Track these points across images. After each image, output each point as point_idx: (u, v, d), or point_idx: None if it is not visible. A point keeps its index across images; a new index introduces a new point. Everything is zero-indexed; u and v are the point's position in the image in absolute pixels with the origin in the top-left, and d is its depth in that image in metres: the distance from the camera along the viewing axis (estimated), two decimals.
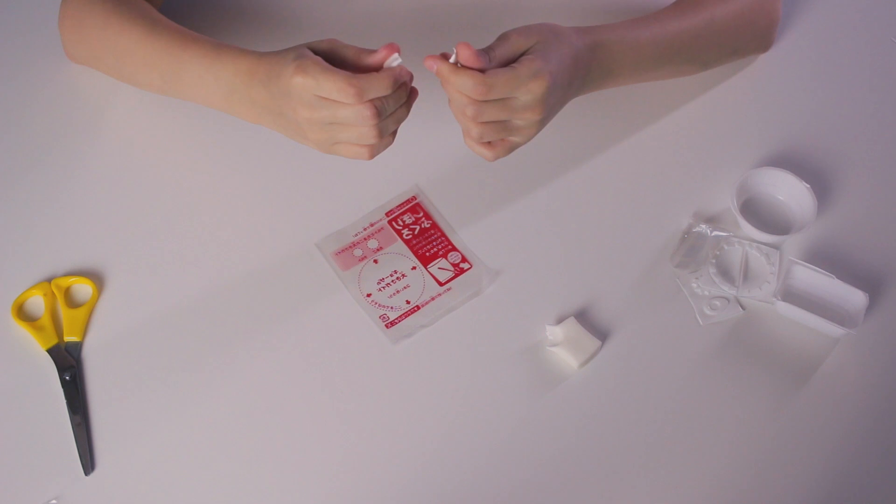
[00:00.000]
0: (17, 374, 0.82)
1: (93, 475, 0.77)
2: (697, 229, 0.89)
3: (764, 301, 0.85)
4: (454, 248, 0.88)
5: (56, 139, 0.96)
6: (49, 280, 0.86)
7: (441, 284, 0.87)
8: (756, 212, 0.90)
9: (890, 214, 0.92)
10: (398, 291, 0.86)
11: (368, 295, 0.86)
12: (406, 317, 0.85)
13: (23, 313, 0.85)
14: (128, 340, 0.84)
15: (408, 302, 0.85)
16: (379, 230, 0.89)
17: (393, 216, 0.90)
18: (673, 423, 0.80)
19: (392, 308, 0.85)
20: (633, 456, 0.78)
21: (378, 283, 0.86)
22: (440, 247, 0.89)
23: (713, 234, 0.89)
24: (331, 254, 0.88)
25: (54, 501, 0.76)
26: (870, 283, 0.85)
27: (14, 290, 0.85)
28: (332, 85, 0.75)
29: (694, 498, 0.77)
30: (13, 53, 1.02)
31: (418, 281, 0.87)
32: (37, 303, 0.85)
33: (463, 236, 0.89)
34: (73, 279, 0.86)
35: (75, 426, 0.79)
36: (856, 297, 0.83)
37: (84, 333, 0.84)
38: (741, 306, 0.85)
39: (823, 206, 0.89)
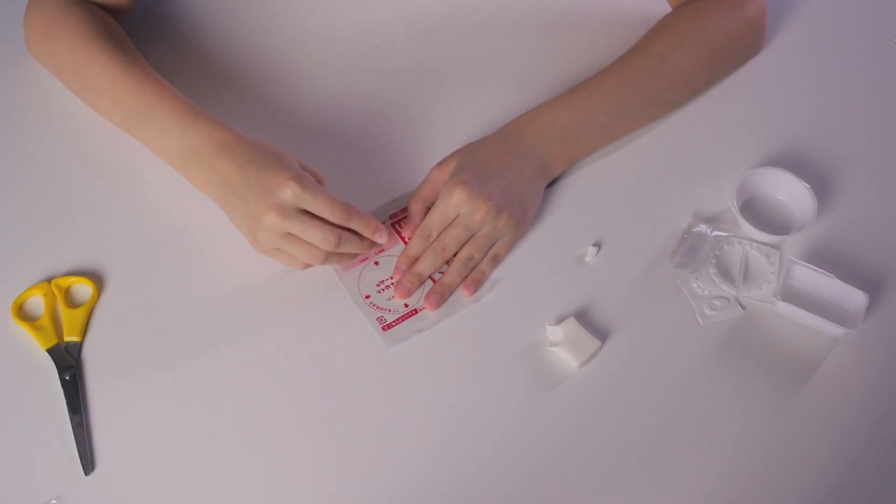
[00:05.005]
0: (17, 374, 0.82)
1: (93, 475, 0.77)
2: (697, 229, 0.89)
3: (764, 301, 0.85)
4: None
5: (56, 139, 0.96)
6: (49, 280, 0.86)
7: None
8: (756, 212, 0.90)
9: (890, 214, 0.92)
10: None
11: (367, 297, 0.86)
12: (403, 320, 0.84)
13: (23, 313, 0.85)
14: (128, 340, 0.84)
15: (406, 305, 0.85)
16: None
17: (397, 219, 0.90)
18: (673, 422, 0.80)
19: (390, 311, 0.85)
20: (633, 456, 0.78)
21: (377, 286, 0.86)
22: None
23: (713, 234, 0.89)
24: None
25: (54, 501, 0.76)
26: (870, 283, 0.85)
27: (14, 290, 0.85)
28: (325, 204, 0.80)
29: (694, 498, 0.77)
30: (11, 52, 1.02)
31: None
32: (37, 303, 0.85)
33: None
34: (73, 279, 0.86)
35: (75, 426, 0.79)
36: (856, 297, 0.83)
37: (84, 333, 0.84)
38: (741, 306, 0.85)
39: (823, 206, 0.89)
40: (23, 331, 0.84)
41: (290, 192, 0.79)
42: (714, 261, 0.87)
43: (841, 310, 0.84)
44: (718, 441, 0.79)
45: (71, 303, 0.85)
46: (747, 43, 0.99)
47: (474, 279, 0.86)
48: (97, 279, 0.86)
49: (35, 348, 0.83)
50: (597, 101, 0.91)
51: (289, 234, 0.80)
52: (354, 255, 0.85)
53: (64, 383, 0.81)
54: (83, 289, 0.86)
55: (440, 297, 0.85)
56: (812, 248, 0.88)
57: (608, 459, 0.78)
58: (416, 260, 0.87)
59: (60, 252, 0.88)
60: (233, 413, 0.80)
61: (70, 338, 0.83)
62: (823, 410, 0.80)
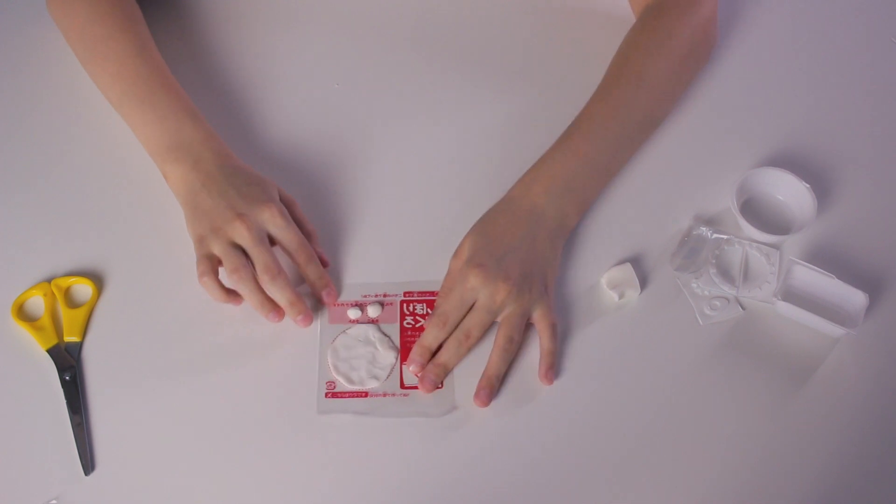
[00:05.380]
0: (17, 374, 0.82)
1: (93, 475, 0.77)
2: (697, 232, 0.89)
3: (764, 301, 0.85)
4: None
5: (56, 139, 0.96)
6: (49, 280, 0.86)
7: (402, 387, 0.81)
8: (756, 212, 0.90)
9: (890, 214, 0.91)
10: (361, 367, 0.82)
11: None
12: (350, 396, 0.81)
13: (23, 313, 0.85)
14: (128, 340, 0.84)
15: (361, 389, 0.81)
16: (388, 304, 0.85)
17: (409, 299, 0.86)
18: (673, 422, 0.80)
19: (345, 380, 0.81)
20: (632, 456, 0.78)
21: (351, 350, 0.83)
22: None
23: (713, 236, 0.89)
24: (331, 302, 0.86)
25: (54, 501, 0.76)
26: (870, 283, 0.85)
27: (14, 290, 0.86)
28: (293, 238, 0.82)
29: (694, 498, 0.77)
30: (13, 51, 1.02)
31: (385, 370, 0.82)
32: (37, 303, 0.85)
33: None
34: (73, 279, 0.86)
35: (75, 426, 0.79)
36: (856, 297, 0.83)
37: (84, 333, 0.84)
38: (741, 306, 0.85)
39: (823, 206, 0.89)
40: (23, 331, 0.84)
41: (267, 214, 0.81)
42: (714, 261, 0.87)
43: (841, 310, 0.84)
44: (718, 441, 0.79)
45: (71, 303, 0.85)
46: (707, 43, 0.98)
47: (548, 364, 0.81)
48: (97, 279, 0.86)
49: (35, 348, 0.83)
50: (592, 141, 0.89)
51: (237, 246, 0.80)
52: (264, 305, 0.81)
53: (64, 383, 0.81)
54: (83, 289, 0.86)
55: (489, 391, 0.79)
56: (812, 248, 0.88)
57: (607, 459, 0.78)
58: (429, 349, 0.82)
59: (60, 252, 0.88)
60: (233, 413, 0.80)
61: (70, 338, 0.83)
62: (823, 410, 0.80)
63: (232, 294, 0.82)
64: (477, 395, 0.79)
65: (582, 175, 0.88)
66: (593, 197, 0.90)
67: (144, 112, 0.87)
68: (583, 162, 0.88)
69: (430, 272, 0.86)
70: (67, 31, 0.95)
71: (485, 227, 0.85)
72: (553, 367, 0.81)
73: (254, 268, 0.80)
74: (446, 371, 0.81)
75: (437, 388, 0.81)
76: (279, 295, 0.81)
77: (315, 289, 0.84)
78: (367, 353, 0.83)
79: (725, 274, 0.87)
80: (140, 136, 0.88)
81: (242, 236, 0.80)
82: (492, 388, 0.79)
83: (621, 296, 0.85)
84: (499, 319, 0.82)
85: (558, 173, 0.87)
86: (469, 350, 0.82)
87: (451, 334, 0.82)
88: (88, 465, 0.77)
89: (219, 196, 0.82)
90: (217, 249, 0.80)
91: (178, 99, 0.88)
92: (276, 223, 0.81)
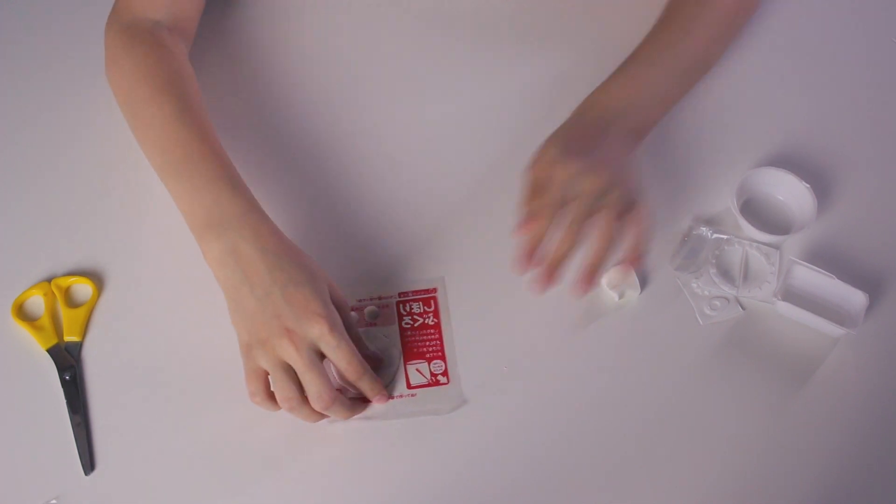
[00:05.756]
0: (17, 374, 0.82)
1: (93, 475, 0.77)
2: (697, 232, 0.89)
3: (764, 301, 0.85)
4: (442, 358, 0.83)
5: (56, 138, 0.96)
6: (49, 280, 0.86)
7: (409, 387, 0.81)
8: (756, 212, 0.90)
9: (890, 214, 0.91)
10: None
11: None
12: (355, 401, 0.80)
13: (23, 313, 0.85)
14: (128, 340, 0.84)
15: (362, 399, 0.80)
16: (384, 306, 0.85)
17: (404, 299, 0.85)
18: (672, 422, 0.80)
19: (349, 387, 0.79)
20: (633, 455, 0.78)
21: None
22: (431, 350, 0.83)
23: (713, 236, 0.89)
24: None
25: (54, 501, 0.76)
26: (870, 283, 0.85)
27: (14, 290, 0.86)
28: (344, 356, 0.74)
29: (693, 498, 0.77)
30: (14, 51, 1.02)
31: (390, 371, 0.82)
32: (37, 303, 0.85)
33: (462, 341, 0.84)
34: (73, 279, 0.86)
35: (75, 426, 0.79)
36: (856, 297, 0.83)
37: (84, 333, 0.84)
38: (741, 306, 0.85)
39: (823, 206, 0.89)
40: (23, 331, 0.84)
41: (317, 331, 0.73)
42: (714, 261, 0.87)
43: (841, 310, 0.84)
44: (718, 441, 0.79)
45: (71, 303, 0.85)
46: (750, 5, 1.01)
47: (639, 252, 0.81)
48: (97, 279, 0.86)
49: (35, 348, 0.83)
50: (648, 72, 0.90)
51: (288, 366, 0.74)
52: (309, 419, 0.77)
53: (64, 383, 0.81)
54: (83, 289, 0.86)
55: (592, 278, 0.79)
56: (812, 248, 0.88)
57: (606, 459, 0.78)
58: (534, 247, 0.79)
59: (60, 252, 0.88)
60: (233, 413, 0.80)
61: (70, 338, 0.83)
62: (823, 410, 0.80)
63: (302, 411, 0.76)
64: (582, 280, 0.79)
65: (643, 98, 0.89)
66: (654, 122, 0.91)
67: (181, 183, 0.81)
68: (642, 87, 0.89)
69: (423, 271, 0.86)
70: (117, 95, 0.90)
71: (564, 134, 0.84)
72: (642, 256, 0.81)
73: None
74: (560, 264, 0.79)
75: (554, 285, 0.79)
76: (335, 414, 0.76)
77: (370, 395, 0.79)
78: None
79: (725, 274, 0.87)
80: (180, 209, 0.81)
81: (292, 358, 0.73)
82: (594, 275, 0.79)
83: (621, 296, 0.85)
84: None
85: (622, 93, 0.88)
86: (579, 241, 0.79)
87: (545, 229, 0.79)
88: (88, 465, 0.77)
89: (264, 297, 0.74)
90: (265, 365, 0.74)
91: (217, 166, 0.81)
92: (327, 342, 0.74)
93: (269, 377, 0.75)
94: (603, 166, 0.80)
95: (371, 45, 1.03)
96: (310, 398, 0.74)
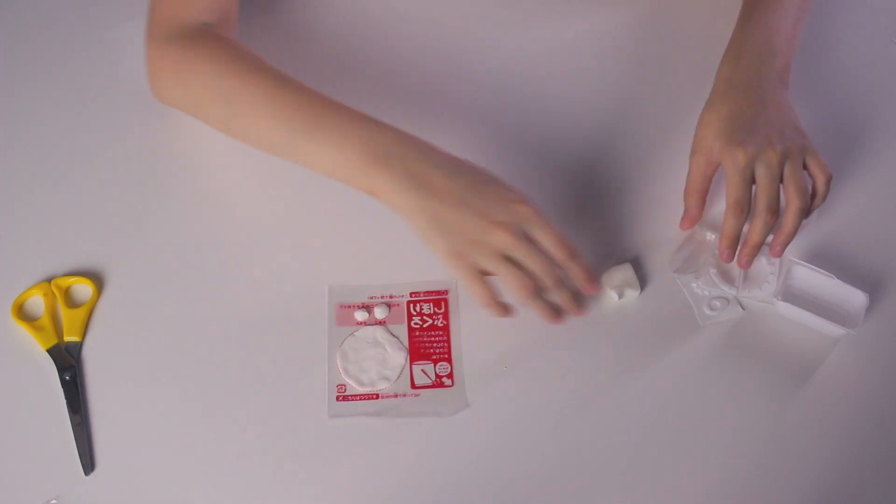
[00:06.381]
0: (17, 374, 0.82)
1: (93, 475, 0.77)
2: (697, 234, 0.89)
3: (764, 301, 0.85)
4: (448, 360, 0.82)
5: (56, 138, 0.96)
6: (49, 280, 0.86)
7: (413, 387, 0.81)
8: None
9: (890, 214, 0.92)
10: (371, 369, 0.82)
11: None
12: (361, 399, 0.80)
13: (23, 313, 0.85)
14: (128, 340, 0.84)
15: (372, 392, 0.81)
16: (395, 305, 0.85)
17: (415, 299, 0.85)
18: (672, 423, 0.80)
19: (355, 382, 0.81)
20: (632, 456, 0.78)
21: (360, 352, 0.82)
22: (438, 351, 0.83)
23: (713, 237, 0.89)
24: (336, 304, 0.85)
25: (54, 501, 0.76)
26: (870, 283, 0.85)
27: (14, 290, 0.85)
28: (553, 235, 0.75)
29: (694, 498, 0.77)
30: (14, 51, 1.02)
31: (395, 371, 0.82)
32: (37, 303, 0.85)
33: (469, 345, 0.83)
34: (73, 279, 0.86)
35: (75, 426, 0.79)
36: (856, 297, 0.83)
37: (84, 333, 0.84)
38: (741, 306, 0.85)
39: (823, 206, 0.89)
40: (23, 331, 0.84)
41: (524, 213, 0.75)
42: (714, 261, 0.87)
43: (841, 310, 0.84)
44: (718, 441, 0.79)
45: (71, 303, 0.85)
46: None
47: (816, 203, 0.85)
48: (97, 279, 0.86)
49: (35, 348, 0.83)
50: (776, 14, 0.91)
51: (508, 258, 0.74)
52: (552, 314, 0.78)
53: (64, 383, 0.81)
54: (83, 289, 0.86)
55: (785, 244, 0.83)
56: (812, 248, 0.88)
57: (606, 460, 0.78)
58: (736, 238, 0.83)
59: (60, 252, 0.88)
60: (233, 413, 0.80)
61: (70, 338, 0.83)
62: (823, 410, 0.80)
63: (510, 307, 0.78)
64: (773, 245, 0.83)
65: (778, 44, 0.89)
66: (790, 64, 0.90)
67: (322, 142, 0.79)
68: (771, 30, 0.89)
69: (434, 272, 0.86)
70: (192, 105, 0.87)
71: (717, 111, 0.85)
72: (825, 197, 0.84)
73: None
74: (757, 250, 0.83)
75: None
76: (563, 297, 0.78)
77: (580, 283, 0.78)
78: (376, 355, 0.82)
79: (725, 274, 0.87)
80: (326, 167, 0.80)
81: (512, 245, 0.74)
82: (787, 244, 0.83)
83: (621, 296, 0.85)
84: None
85: (751, 43, 0.88)
86: (775, 222, 0.82)
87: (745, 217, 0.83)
88: (88, 465, 0.77)
89: (458, 204, 0.75)
90: (487, 265, 0.75)
91: (346, 110, 0.80)
92: (537, 223, 0.75)
93: (489, 279, 0.76)
94: (774, 134, 0.82)
95: (390, 35, 1.03)
96: (540, 278, 0.75)
